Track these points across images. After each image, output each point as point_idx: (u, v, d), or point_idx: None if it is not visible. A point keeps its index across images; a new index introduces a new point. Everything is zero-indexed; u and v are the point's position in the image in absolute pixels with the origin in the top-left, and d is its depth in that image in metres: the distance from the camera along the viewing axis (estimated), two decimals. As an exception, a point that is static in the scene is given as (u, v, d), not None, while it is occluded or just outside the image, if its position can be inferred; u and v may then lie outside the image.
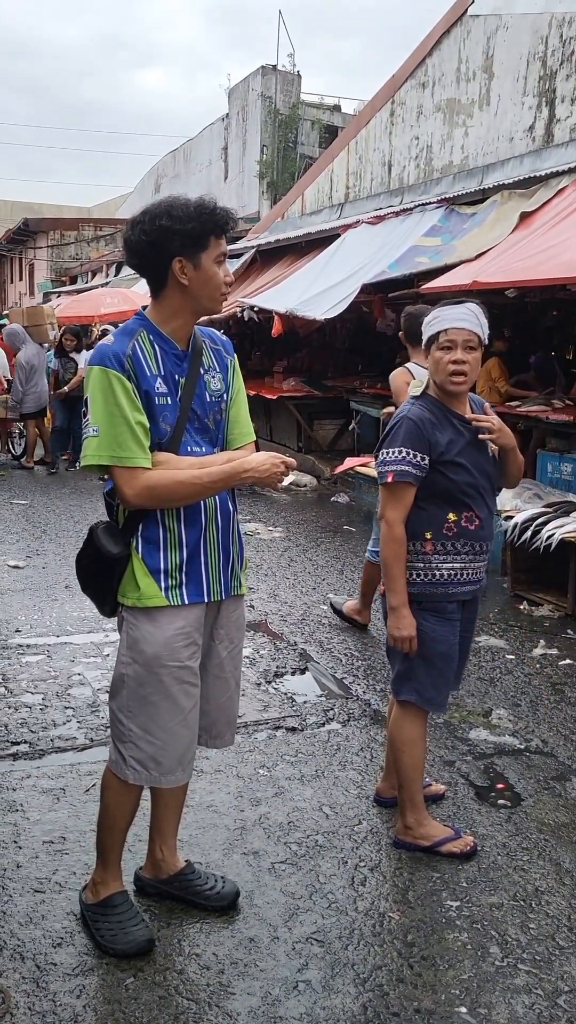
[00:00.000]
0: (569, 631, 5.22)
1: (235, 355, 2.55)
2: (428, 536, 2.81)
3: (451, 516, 2.81)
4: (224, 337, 2.56)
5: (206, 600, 2.40)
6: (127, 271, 22.85)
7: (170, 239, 2.22)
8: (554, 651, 4.88)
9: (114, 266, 24.62)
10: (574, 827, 3.13)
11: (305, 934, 2.53)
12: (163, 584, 2.33)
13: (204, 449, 2.39)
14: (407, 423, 2.79)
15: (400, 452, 2.77)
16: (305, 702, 4.16)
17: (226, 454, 2.43)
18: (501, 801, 3.31)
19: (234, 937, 2.51)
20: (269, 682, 4.37)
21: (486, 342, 2.82)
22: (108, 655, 4.67)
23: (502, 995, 2.32)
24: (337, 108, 26.13)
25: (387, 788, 3.21)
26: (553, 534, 5.33)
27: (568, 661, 4.74)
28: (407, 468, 2.76)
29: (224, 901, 2.61)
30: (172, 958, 2.42)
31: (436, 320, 2.80)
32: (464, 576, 2.85)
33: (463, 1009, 2.27)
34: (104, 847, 2.53)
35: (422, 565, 2.81)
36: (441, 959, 2.45)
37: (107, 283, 22.25)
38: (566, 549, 5.36)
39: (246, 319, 10.77)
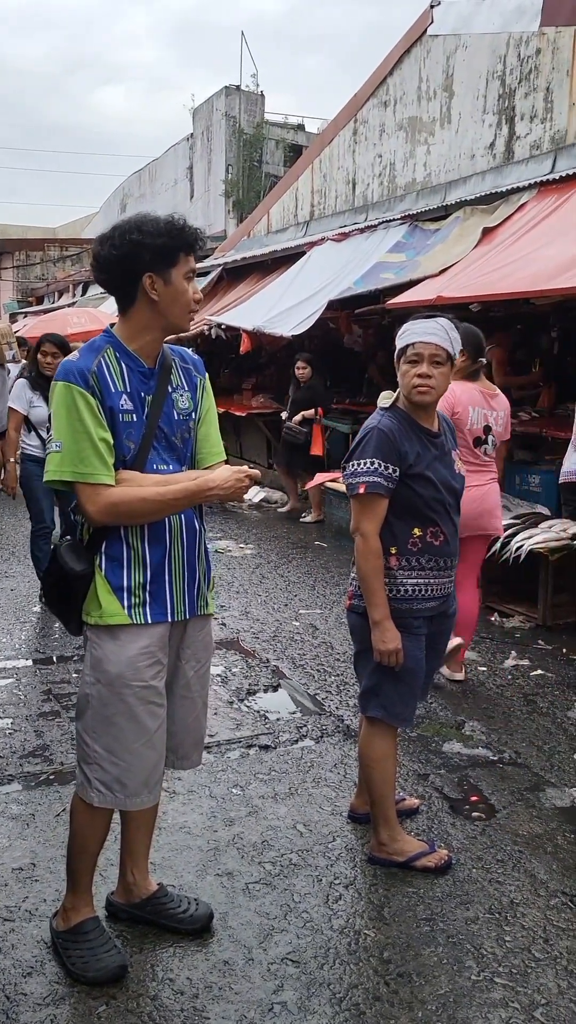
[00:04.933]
0: (540, 642, 5.25)
1: (206, 374, 2.55)
2: (393, 551, 2.81)
3: (416, 531, 2.81)
4: (195, 356, 2.56)
5: (170, 620, 2.38)
6: (94, 291, 22.80)
7: (140, 254, 2.22)
8: (526, 662, 4.90)
9: (80, 286, 24.58)
10: (548, 838, 3.13)
11: (280, 955, 2.50)
12: (126, 602, 2.31)
13: (171, 467, 2.38)
14: (377, 433, 2.78)
15: (371, 463, 2.76)
16: (278, 719, 4.13)
17: (191, 472, 2.41)
18: (475, 814, 3.30)
19: (208, 960, 2.47)
20: (242, 700, 4.35)
21: (456, 356, 2.84)
22: (78, 677, 4.62)
23: (479, 1010, 2.31)
24: (301, 127, 26.36)
25: (361, 804, 3.19)
26: (522, 545, 5.36)
27: (540, 672, 4.76)
28: (378, 479, 2.75)
29: (197, 924, 2.58)
30: (145, 984, 2.38)
31: (405, 334, 2.81)
32: (428, 592, 2.84)
33: (440, 1026, 2.25)
34: (74, 872, 2.49)
35: (387, 580, 2.80)
36: (417, 975, 2.43)
37: (74, 303, 22.19)
38: (536, 560, 5.39)
39: (214, 337, 10.78)
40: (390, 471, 2.75)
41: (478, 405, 4.30)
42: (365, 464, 2.77)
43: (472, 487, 3.99)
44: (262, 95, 25.63)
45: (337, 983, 2.40)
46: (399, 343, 2.84)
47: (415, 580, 2.82)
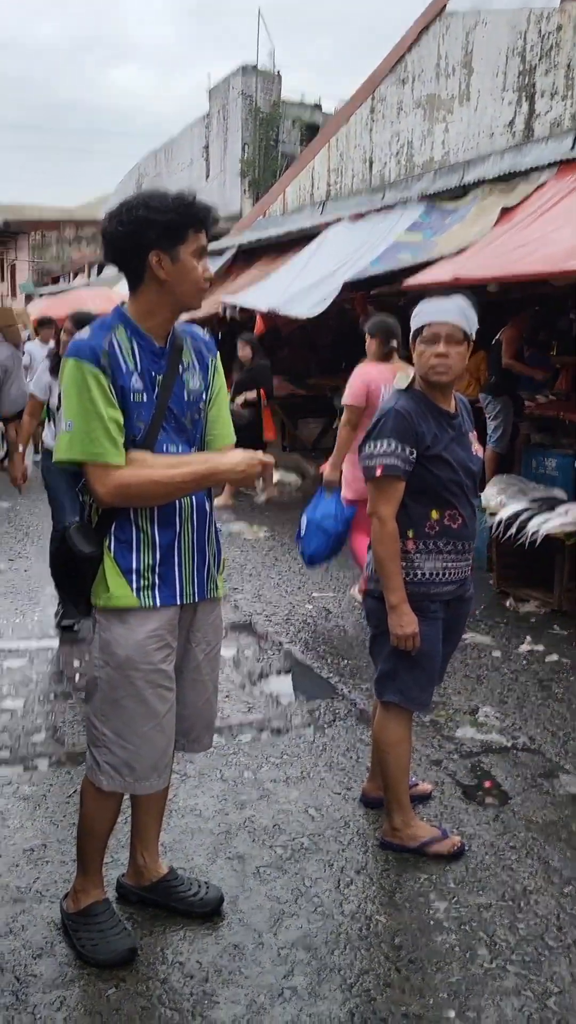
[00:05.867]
0: (555, 627, 5.20)
1: (217, 354, 2.50)
2: (410, 535, 2.77)
3: (434, 514, 2.76)
4: (207, 336, 2.51)
5: (179, 603, 2.35)
6: (110, 271, 22.74)
7: (147, 230, 2.17)
8: (540, 647, 4.85)
9: (96, 266, 24.49)
10: (562, 824, 3.10)
11: (291, 939, 2.49)
12: (135, 585, 2.28)
13: (180, 448, 2.34)
14: (395, 415, 2.73)
15: (388, 444, 2.71)
16: (290, 703, 4.11)
17: (203, 454, 2.38)
18: (488, 800, 3.27)
19: (218, 944, 2.46)
20: (254, 683, 4.33)
21: (473, 336, 2.77)
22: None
23: (491, 998, 2.29)
24: (318, 106, 26.08)
25: (373, 788, 3.17)
26: (538, 530, 5.30)
27: (555, 657, 4.72)
28: (395, 461, 2.70)
29: (208, 907, 2.57)
30: (155, 967, 2.37)
31: (421, 313, 2.75)
32: (446, 576, 2.80)
33: (452, 1013, 2.23)
34: (85, 855, 2.48)
35: (404, 564, 2.76)
36: (429, 962, 2.41)
37: (89, 283, 22.13)
38: (551, 545, 5.33)
39: (228, 318, 10.71)
40: (407, 453, 2.70)
41: (390, 382, 4.45)
42: (382, 446, 2.72)
43: None
44: (279, 74, 25.35)
45: (348, 969, 2.38)
46: (415, 323, 2.78)
47: (432, 563, 2.77)
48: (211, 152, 26.77)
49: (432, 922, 2.58)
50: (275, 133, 24.65)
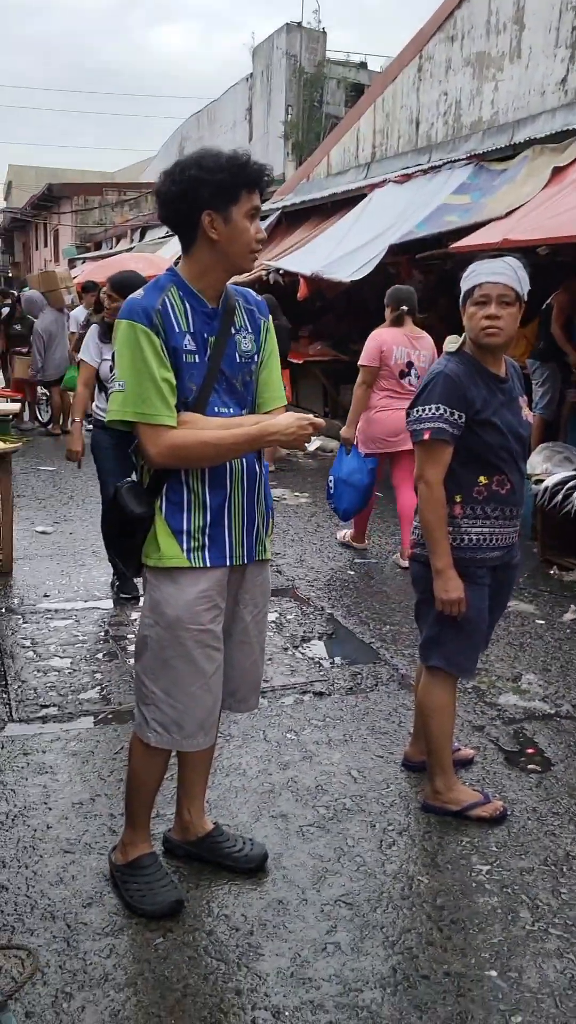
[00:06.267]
0: (600, 596, 5.15)
1: (269, 317, 2.49)
2: (458, 500, 2.75)
3: (482, 479, 2.74)
4: (258, 297, 2.50)
5: (229, 564, 2.36)
6: (152, 235, 22.67)
7: (199, 190, 2.16)
8: (585, 616, 4.82)
9: (139, 231, 24.43)
10: (605, 792, 3.10)
11: (334, 896, 2.53)
12: (185, 546, 2.30)
13: (232, 411, 2.34)
14: (444, 379, 2.70)
15: (436, 409, 2.69)
16: (332, 667, 4.14)
17: (253, 417, 2.38)
18: (531, 766, 3.27)
19: (263, 899, 2.51)
20: (296, 647, 4.36)
21: (524, 298, 2.73)
22: (136, 620, 4.68)
23: (532, 959, 2.31)
24: (363, 65, 25.58)
25: (416, 752, 3.19)
26: (584, 497, 5.24)
27: (599, 626, 4.68)
28: (443, 425, 2.68)
29: (252, 863, 2.61)
30: (201, 919, 2.42)
31: (472, 275, 2.71)
32: (493, 541, 2.78)
33: (493, 973, 2.26)
34: (133, 809, 2.54)
35: (451, 529, 2.75)
36: (471, 923, 2.44)
37: (132, 248, 22.10)
38: (598, 513, 5.26)
39: (272, 282, 10.63)
40: (456, 417, 2.68)
41: (402, 345, 5.46)
42: (430, 410, 2.70)
43: (395, 410, 5.33)
44: (324, 32, 24.90)
45: (390, 927, 2.41)
46: (465, 285, 2.73)
47: (480, 529, 2.76)
48: (254, 114, 26.46)
49: (474, 884, 2.60)
50: (319, 94, 24.25)
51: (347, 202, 11.16)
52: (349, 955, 2.30)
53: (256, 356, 2.40)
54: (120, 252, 21.77)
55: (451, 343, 2.80)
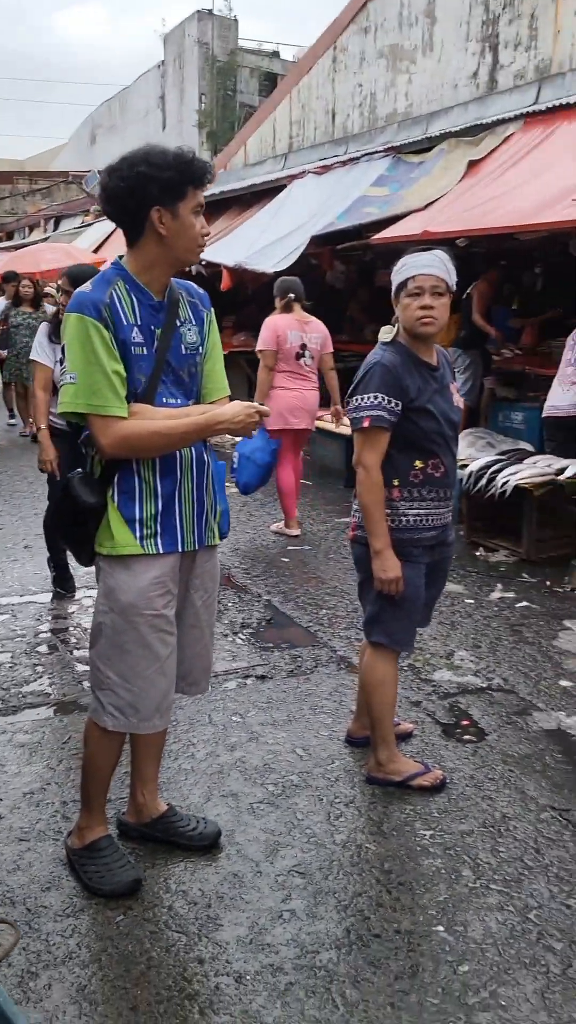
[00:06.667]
0: (524, 575, 5.38)
1: (211, 309, 2.55)
2: (396, 484, 2.88)
3: (418, 463, 2.87)
4: (201, 290, 2.56)
5: (180, 550, 2.44)
6: (67, 225, 22.28)
7: (148, 186, 2.22)
8: (511, 594, 5.03)
9: (52, 220, 23.99)
10: (536, 757, 3.27)
11: (287, 867, 2.63)
12: (138, 533, 2.36)
13: (179, 401, 2.41)
14: (381, 368, 2.82)
15: (375, 397, 2.81)
16: (273, 651, 4.23)
17: (200, 407, 2.45)
18: (466, 737, 3.43)
19: (218, 873, 2.60)
20: (236, 633, 4.44)
21: (454, 289, 2.87)
22: (73, 612, 4.69)
23: (476, 913, 2.45)
24: (276, 55, 25.63)
25: (358, 729, 3.31)
26: (507, 481, 5.45)
27: (524, 603, 4.90)
28: (382, 413, 2.80)
29: (207, 841, 2.69)
30: (159, 896, 2.50)
31: (404, 267, 2.83)
32: (429, 522, 2.92)
33: (440, 928, 2.39)
34: (88, 794, 2.59)
35: (389, 511, 2.88)
36: (417, 884, 2.57)
37: (47, 238, 21.70)
38: (519, 496, 5.49)
39: (194, 273, 10.64)
40: (393, 405, 2.80)
41: (295, 329, 5.95)
42: (368, 399, 2.82)
43: (298, 390, 5.96)
44: (235, 20, 24.85)
45: (342, 892, 2.53)
46: (398, 277, 2.86)
47: (416, 511, 2.89)
48: (167, 102, 26.21)
49: (419, 848, 2.74)
50: (233, 83, 24.19)
51: (266, 192, 11.23)
52: (304, 920, 2.41)
53: (200, 347, 2.47)
54: (34, 242, 21.34)
55: (386, 334, 2.91)
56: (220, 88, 23.79)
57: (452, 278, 2.83)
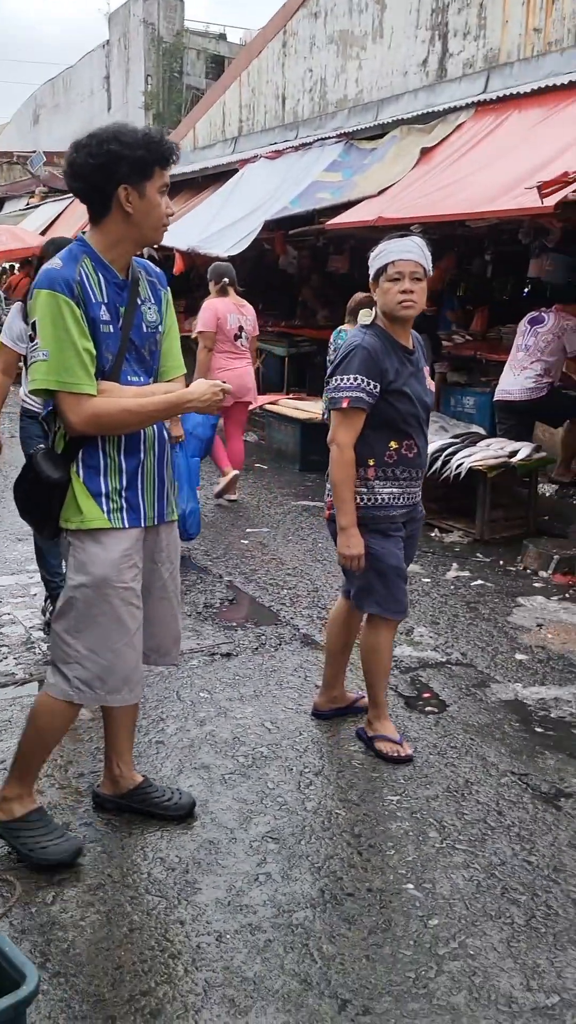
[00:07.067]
0: (478, 554, 5.53)
1: (168, 288, 2.60)
2: (371, 463, 2.97)
3: (392, 444, 2.97)
4: (158, 270, 2.61)
5: (143, 525, 2.48)
6: (11, 207, 21.87)
7: (118, 164, 2.26)
8: (466, 573, 5.17)
9: (-2, 201, 23.51)
10: (495, 726, 3.41)
11: (260, 833, 2.71)
12: (105, 507, 2.41)
13: (142, 379, 2.46)
14: (361, 351, 2.91)
15: (355, 379, 2.89)
16: (237, 630, 4.31)
17: (164, 385, 2.51)
18: (428, 708, 3.56)
19: (194, 841, 2.67)
20: (199, 613, 4.50)
21: (430, 273, 2.96)
22: (36, 595, 4.70)
23: (443, 872, 2.57)
24: (223, 37, 25.41)
25: (324, 703, 3.40)
26: (462, 464, 5.59)
27: (479, 581, 5.04)
28: (361, 395, 2.89)
29: (182, 810, 2.76)
30: (137, 863, 2.56)
31: (383, 253, 2.91)
32: (402, 500, 3.03)
33: (410, 886, 2.50)
34: (28, 767, 2.57)
35: (365, 490, 2.98)
36: (386, 846, 2.68)
37: (-9, 219, 21.26)
38: (474, 478, 5.63)
39: (146, 256, 10.59)
40: (371, 387, 2.89)
41: (232, 312, 6.40)
42: (348, 380, 2.90)
43: (235, 368, 6.37)
44: (181, 0, 24.57)
45: (315, 855, 2.62)
46: (377, 263, 2.94)
47: (390, 489, 3.00)
48: (112, 83, 25.85)
49: (387, 813, 2.84)
50: (179, 64, 23.93)
51: (218, 176, 11.22)
52: (280, 882, 2.50)
53: (160, 326, 2.52)
54: (-21, 224, 20.89)
55: (365, 317, 3.00)
56: (166, 70, 23.53)
57: (429, 263, 2.93)
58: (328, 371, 3.03)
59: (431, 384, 3.12)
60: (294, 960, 2.21)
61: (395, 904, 2.43)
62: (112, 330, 2.36)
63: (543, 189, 4.88)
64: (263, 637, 4.20)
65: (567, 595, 4.84)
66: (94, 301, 2.32)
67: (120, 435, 2.40)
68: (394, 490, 3.00)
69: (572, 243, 7.58)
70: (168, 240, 9.97)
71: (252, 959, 2.21)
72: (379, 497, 2.99)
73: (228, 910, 2.38)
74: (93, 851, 2.60)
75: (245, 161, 10.63)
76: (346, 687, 3.45)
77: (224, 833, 2.71)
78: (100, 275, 2.35)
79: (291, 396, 8.67)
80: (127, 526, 2.44)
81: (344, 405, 2.91)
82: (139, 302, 2.44)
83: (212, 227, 9.37)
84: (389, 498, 3.00)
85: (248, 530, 5.99)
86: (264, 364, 10.55)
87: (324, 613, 4.51)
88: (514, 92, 7.40)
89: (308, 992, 2.11)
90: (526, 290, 9.08)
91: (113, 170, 2.27)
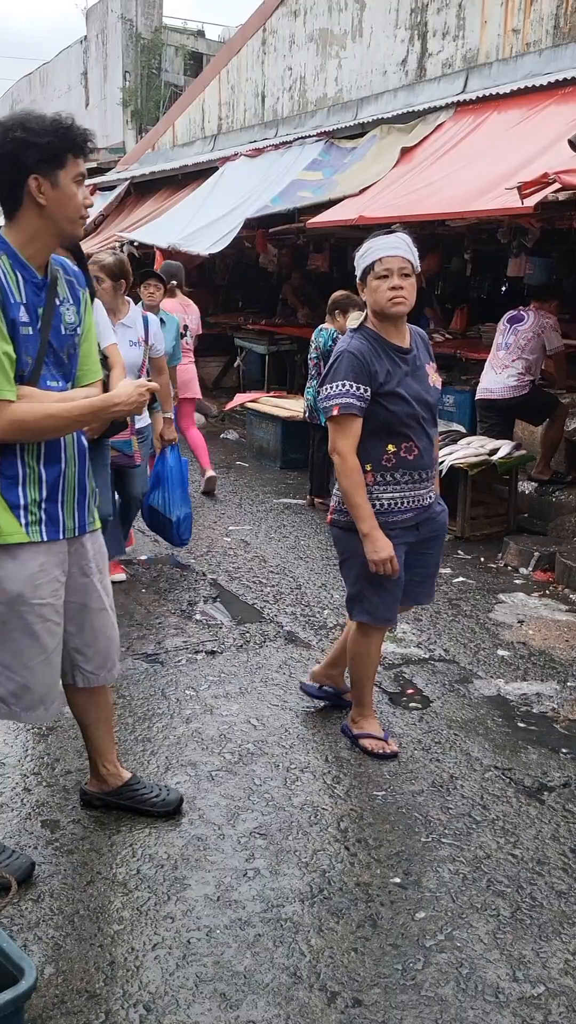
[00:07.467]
0: (460, 552, 5.57)
1: (87, 288, 2.49)
2: (368, 468, 2.93)
3: (390, 447, 2.92)
4: (77, 268, 2.48)
5: (63, 537, 2.38)
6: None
7: (25, 153, 2.13)
8: (447, 570, 5.21)
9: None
10: (479, 722, 3.45)
11: (248, 829, 2.73)
12: (23, 520, 2.29)
13: (61, 384, 2.33)
14: (348, 356, 2.87)
15: (343, 385, 2.86)
16: (221, 628, 4.32)
17: (83, 390, 2.40)
18: (412, 704, 3.59)
19: (183, 837, 2.68)
20: (183, 611, 4.51)
21: (418, 270, 2.94)
22: None
23: (430, 865, 2.60)
24: (201, 34, 25.35)
25: (322, 675, 3.45)
26: (443, 461, 5.62)
27: (461, 579, 5.09)
28: (351, 400, 2.86)
29: (170, 807, 2.77)
30: (127, 860, 2.57)
31: (370, 251, 2.89)
32: (404, 504, 2.98)
33: (397, 879, 2.53)
34: None
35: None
36: (373, 840, 2.70)
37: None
38: (455, 476, 5.67)
39: (127, 254, 10.55)
40: (362, 391, 2.86)
41: (178, 312, 6.58)
42: (336, 387, 2.88)
43: (184, 364, 6.53)
44: (160, -4, 24.47)
45: (302, 850, 2.64)
46: (363, 261, 2.91)
47: (391, 494, 2.95)
48: (90, 79, 25.72)
49: (373, 808, 2.87)
50: (157, 61, 23.84)
51: (198, 174, 11.19)
52: (268, 878, 2.52)
53: (79, 328, 2.38)
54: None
55: (354, 320, 3.00)
56: (144, 66, 23.43)
57: (416, 259, 2.92)
58: (320, 379, 3.01)
59: (436, 381, 3.09)
60: (284, 954, 2.24)
61: (382, 897, 2.45)
62: (31, 332, 2.22)
63: (523, 190, 4.92)
64: (247, 634, 4.22)
65: (547, 592, 4.90)
66: (13, 302, 2.18)
67: (40, 443, 2.28)
68: (395, 494, 2.96)
69: (550, 244, 7.66)
70: (148, 237, 9.96)
71: (242, 953, 2.23)
72: (379, 503, 2.95)
73: (217, 905, 2.40)
74: (81, 848, 2.62)
75: (225, 159, 10.61)
76: (344, 676, 3.46)
77: (212, 829, 2.73)
78: (18, 274, 2.21)
79: (272, 394, 8.68)
80: (46, 539, 2.33)
81: (335, 412, 2.88)
82: (57, 303, 2.30)
83: (192, 225, 9.35)
84: (390, 503, 2.96)
85: (231, 528, 6.00)
86: (245, 362, 10.58)
87: (307, 610, 4.53)
88: (493, 93, 7.45)
89: (298, 985, 2.14)
90: (503, 288, 9.16)
91: (21, 159, 2.13)
